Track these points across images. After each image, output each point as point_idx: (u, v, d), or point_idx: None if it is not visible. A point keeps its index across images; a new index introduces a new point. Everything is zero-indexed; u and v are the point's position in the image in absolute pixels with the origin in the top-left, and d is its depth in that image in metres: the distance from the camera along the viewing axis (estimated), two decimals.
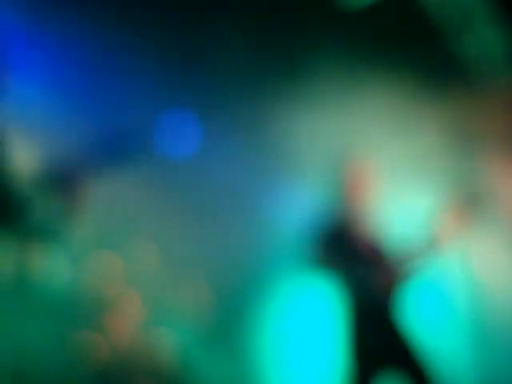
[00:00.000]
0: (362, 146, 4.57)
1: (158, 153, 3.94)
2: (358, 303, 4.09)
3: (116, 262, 4.84)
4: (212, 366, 4.86)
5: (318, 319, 4.65)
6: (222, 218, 4.94)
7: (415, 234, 4.23)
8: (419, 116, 5.01)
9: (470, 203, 4.25)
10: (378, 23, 4.89)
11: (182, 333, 4.87)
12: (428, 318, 4.67)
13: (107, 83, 4.65)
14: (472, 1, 5.08)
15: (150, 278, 4.85)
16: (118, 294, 4.81)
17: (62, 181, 3.39)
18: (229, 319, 4.95)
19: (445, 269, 4.87)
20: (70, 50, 4.51)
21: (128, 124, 4.27)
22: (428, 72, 5.00)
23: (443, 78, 5.06)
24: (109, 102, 4.62)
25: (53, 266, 4.40)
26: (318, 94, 4.96)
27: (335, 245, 4.15)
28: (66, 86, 4.51)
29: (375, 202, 4.32)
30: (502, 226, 5.12)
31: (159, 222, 4.84)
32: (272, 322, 5.00)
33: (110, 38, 4.61)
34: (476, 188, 4.49)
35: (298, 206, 4.75)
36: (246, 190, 4.95)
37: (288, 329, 4.99)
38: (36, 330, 4.01)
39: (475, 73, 5.17)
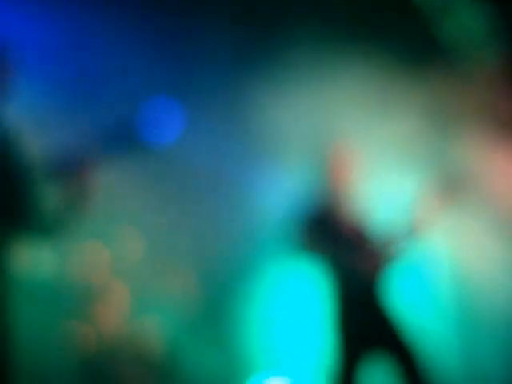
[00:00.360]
0: (343, 129, 4.58)
1: (142, 141, 3.95)
2: (343, 287, 4.10)
3: (102, 251, 4.84)
4: (200, 353, 4.88)
5: (304, 304, 4.66)
6: (208, 205, 4.95)
7: (399, 218, 4.25)
8: (400, 98, 5.02)
9: (453, 186, 4.27)
10: (357, 4, 4.90)
11: (170, 321, 4.88)
12: (413, 302, 4.69)
13: (95, 74, 4.69)
14: None
15: (136, 267, 4.86)
16: (105, 283, 4.81)
17: (65, 172, 3.40)
18: (216, 306, 4.96)
19: (429, 252, 4.89)
20: (60, 46, 4.57)
21: (114, 114, 4.29)
22: (409, 54, 5.00)
23: (424, 59, 5.07)
24: (96, 93, 4.66)
25: (40, 257, 4.41)
26: (298, 79, 4.96)
27: (320, 229, 4.15)
28: (55, 79, 4.56)
29: (358, 185, 4.33)
30: (485, 209, 5.15)
31: (145, 211, 4.84)
32: (259, 308, 5.01)
33: (95, 29, 4.64)
34: (459, 171, 4.50)
35: (281, 190, 4.76)
36: (230, 176, 4.96)
37: (275, 314, 5.00)
38: (23, 320, 4.01)
39: (456, 54, 5.18)
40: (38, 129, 4.11)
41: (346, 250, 4.11)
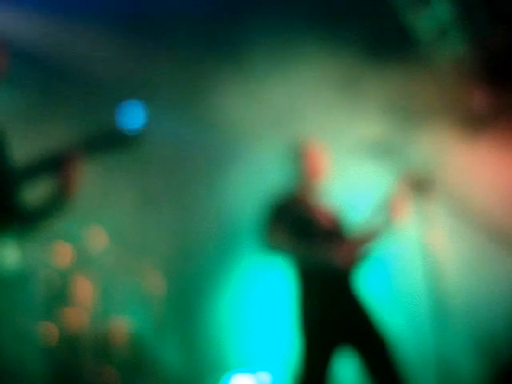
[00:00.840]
0: (312, 121, 4.58)
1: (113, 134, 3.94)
2: (315, 282, 4.07)
3: (70, 250, 4.82)
4: (169, 351, 4.86)
5: (274, 300, 4.64)
6: (176, 203, 4.95)
7: (371, 212, 4.23)
8: (370, 92, 5.02)
9: (423, 182, 4.27)
10: None
11: (139, 319, 4.87)
12: (386, 296, 4.69)
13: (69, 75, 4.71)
14: None
15: (105, 266, 4.84)
16: (71, 282, 4.78)
17: (48, 169, 3.38)
18: (185, 304, 4.96)
19: (401, 246, 4.88)
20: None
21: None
22: (379, 46, 5.00)
23: (394, 52, 5.07)
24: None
25: (5, 256, 4.36)
26: (272, 73, 4.96)
27: (290, 225, 4.12)
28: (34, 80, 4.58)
29: (329, 178, 4.30)
30: (457, 202, 5.15)
31: (113, 211, 4.84)
32: (228, 306, 5.01)
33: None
34: (431, 164, 4.51)
35: (252, 185, 4.75)
36: (198, 173, 4.97)
37: (245, 312, 5.00)
38: None
39: (427, 47, 5.19)
40: (18, 129, 4.10)
41: (319, 245, 4.08)
